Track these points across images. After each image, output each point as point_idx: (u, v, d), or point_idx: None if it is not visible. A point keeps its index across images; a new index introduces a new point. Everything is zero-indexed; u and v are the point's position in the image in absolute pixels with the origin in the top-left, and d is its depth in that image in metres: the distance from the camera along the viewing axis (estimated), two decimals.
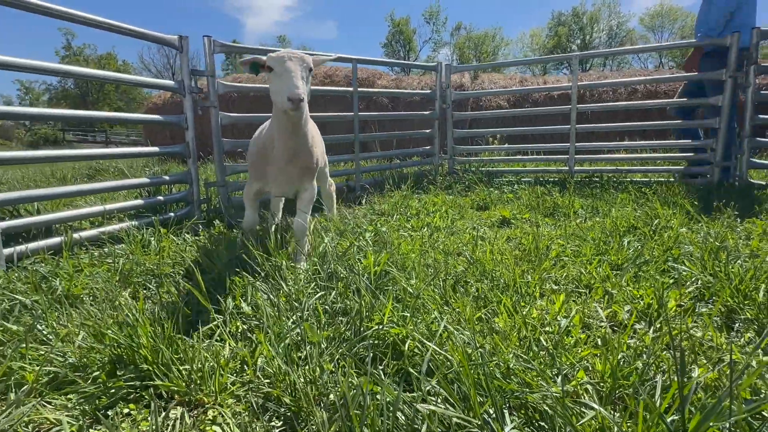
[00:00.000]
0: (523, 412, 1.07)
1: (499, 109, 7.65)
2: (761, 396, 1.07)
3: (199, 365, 1.24)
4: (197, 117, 3.33)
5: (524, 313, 1.57)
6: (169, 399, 1.23)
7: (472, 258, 2.24)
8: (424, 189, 4.43)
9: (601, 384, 1.17)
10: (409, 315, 1.33)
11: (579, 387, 1.15)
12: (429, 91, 5.07)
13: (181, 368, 1.26)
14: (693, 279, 1.92)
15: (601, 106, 4.44)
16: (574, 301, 1.79)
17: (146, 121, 3.61)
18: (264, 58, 1.95)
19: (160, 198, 3.18)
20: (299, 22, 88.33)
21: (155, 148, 3.16)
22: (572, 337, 1.44)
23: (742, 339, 1.49)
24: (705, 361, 1.29)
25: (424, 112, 5.12)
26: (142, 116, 3.43)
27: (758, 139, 3.92)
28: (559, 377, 1.20)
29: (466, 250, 2.43)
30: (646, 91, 7.16)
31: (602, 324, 1.55)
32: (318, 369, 1.16)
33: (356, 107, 4.22)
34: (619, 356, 1.28)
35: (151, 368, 1.24)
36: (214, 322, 1.48)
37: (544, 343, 1.34)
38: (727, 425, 0.96)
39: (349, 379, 1.04)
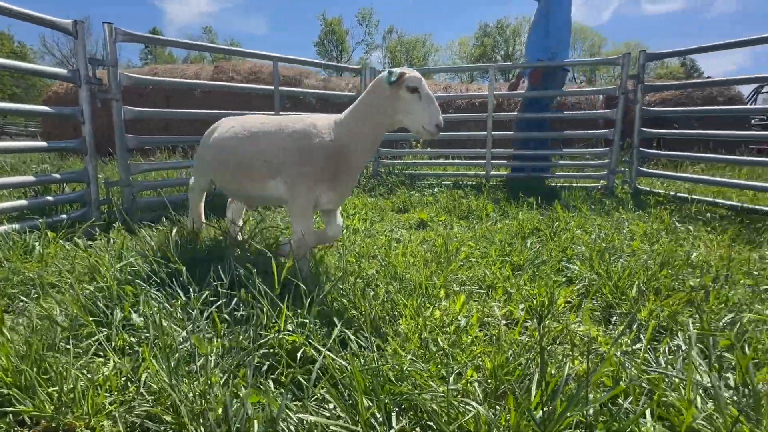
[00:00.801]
0: (412, 413, 1.09)
1: None
2: (622, 383, 1.19)
3: (71, 385, 1.13)
4: (98, 110, 3.05)
5: (427, 314, 1.62)
6: (34, 425, 1.10)
7: (385, 260, 2.27)
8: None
9: (489, 381, 1.23)
10: (308, 321, 1.31)
11: (468, 385, 1.21)
12: (353, 94, 5.08)
13: (49, 390, 1.13)
14: (582, 277, 2.10)
15: (513, 115, 4.73)
16: (475, 300, 1.88)
17: (35, 112, 3.24)
18: (408, 74, 1.87)
19: (49, 198, 2.86)
20: (227, 14, 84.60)
21: (43, 143, 2.84)
22: (470, 336, 1.51)
23: (616, 331, 1.66)
24: (579, 354, 1.41)
25: None
26: (29, 107, 3.06)
27: (644, 149, 4.39)
28: (452, 377, 1.26)
29: (381, 252, 2.46)
30: (557, 103, 7.77)
31: (498, 322, 1.64)
32: (207, 382, 1.10)
33: (277, 106, 4.12)
34: (509, 353, 1.36)
35: (10, 392, 1.10)
36: (94, 337, 1.36)
37: (441, 344, 1.39)
38: (591, 412, 1.06)
39: (235, 391, 1.00)
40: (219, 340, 1.31)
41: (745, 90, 11.11)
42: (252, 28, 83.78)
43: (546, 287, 1.88)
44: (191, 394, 1.09)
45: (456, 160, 5.42)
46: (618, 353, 1.32)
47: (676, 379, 1.14)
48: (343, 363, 1.12)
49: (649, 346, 1.46)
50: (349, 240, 2.75)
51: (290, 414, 0.93)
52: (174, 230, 2.15)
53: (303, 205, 1.96)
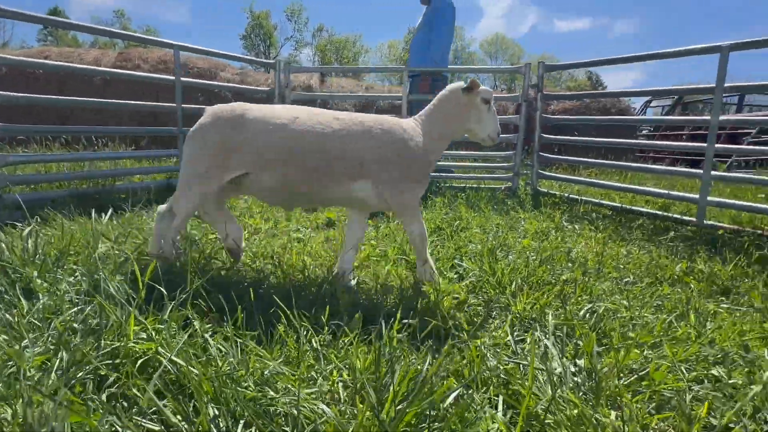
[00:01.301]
0: (264, 420, 1.04)
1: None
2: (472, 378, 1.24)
3: None
4: None
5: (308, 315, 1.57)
6: None
7: (279, 261, 2.20)
8: None
9: (353, 381, 1.22)
10: (164, 328, 1.21)
11: (334, 386, 1.18)
12: (267, 89, 4.92)
13: None
14: (471, 274, 2.18)
15: None
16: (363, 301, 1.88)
17: None
18: (482, 87, 2.04)
19: None
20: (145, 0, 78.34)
21: None
22: (349, 336, 1.49)
23: (493, 324, 1.73)
24: (447, 349, 1.45)
25: None
26: None
27: (543, 154, 4.72)
28: (320, 378, 1.23)
29: (278, 252, 2.38)
30: None
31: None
32: (27, 401, 0.97)
33: (179, 98, 3.85)
34: (384, 351, 1.36)
35: None
36: None
37: (315, 344, 1.36)
38: (443, 405, 1.08)
39: (53, 410, 0.89)
40: (62, 351, 1.16)
41: (645, 102, 12.46)
42: (172, 16, 78.44)
43: (433, 284, 1.92)
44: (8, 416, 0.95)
45: None
46: (482, 345, 1.37)
47: (531, 368, 1.21)
48: (193, 370, 1.04)
49: (517, 338, 1.54)
50: (248, 240, 2.63)
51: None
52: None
53: (414, 206, 2.01)
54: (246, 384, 1.09)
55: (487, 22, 77.35)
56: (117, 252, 1.77)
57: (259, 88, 5.41)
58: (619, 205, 3.83)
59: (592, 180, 4.39)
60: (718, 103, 3.11)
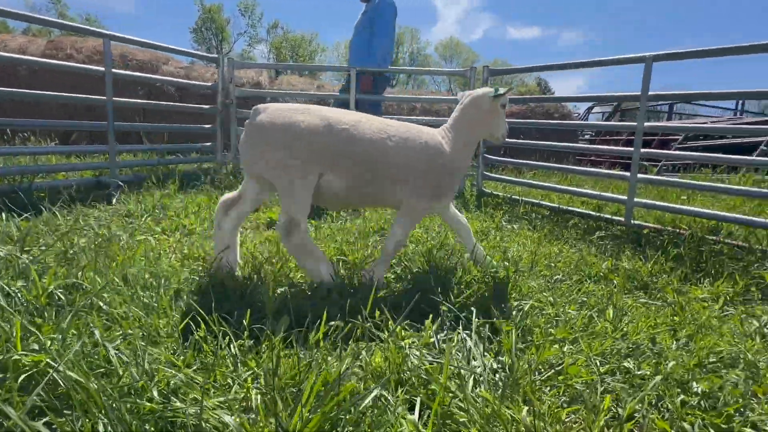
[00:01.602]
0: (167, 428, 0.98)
1: None
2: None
3: None
4: None
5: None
6: None
7: (209, 264, 2.11)
8: (199, 188, 4.09)
9: (268, 388, 1.18)
10: (59, 337, 1.12)
11: (249, 393, 1.13)
12: (210, 84, 4.74)
13: None
14: (408, 277, 2.18)
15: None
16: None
17: None
18: (505, 92, 2.16)
19: None
20: None
21: None
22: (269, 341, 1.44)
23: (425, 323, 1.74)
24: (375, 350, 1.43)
25: (203, 106, 4.76)
26: None
27: (488, 156, 4.84)
28: (236, 386, 1.17)
29: (211, 255, 2.28)
30: (422, 109, 8.26)
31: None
32: None
33: (110, 91, 3.62)
34: (304, 355, 1.33)
35: None
36: None
37: (233, 350, 1.30)
38: (361, 406, 1.06)
39: None
40: None
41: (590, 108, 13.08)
42: (115, 4, 73.99)
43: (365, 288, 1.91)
44: None
45: None
46: (405, 346, 1.36)
47: (446, 366, 1.21)
48: (85, 382, 0.96)
49: (446, 337, 1.55)
50: (180, 242, 2.51)
51: None
52: None
53: (420, 216, 2.15)
54: (148, 395, 1.03)
55: (442, 26, 78.74)
56: (17, 256, 1.62)
57: (202, 83, 5.19)
58: (557, 205, 3.99)
59: (533, 181, 4.56)
60: (643, 110, 3.31)
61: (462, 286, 2.02)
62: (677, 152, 3.73)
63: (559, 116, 8.51)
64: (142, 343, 1.18)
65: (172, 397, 1.06)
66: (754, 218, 2.88)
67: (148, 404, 0.96)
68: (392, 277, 2.20)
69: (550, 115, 8.42)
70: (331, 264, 2.00)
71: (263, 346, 1.36)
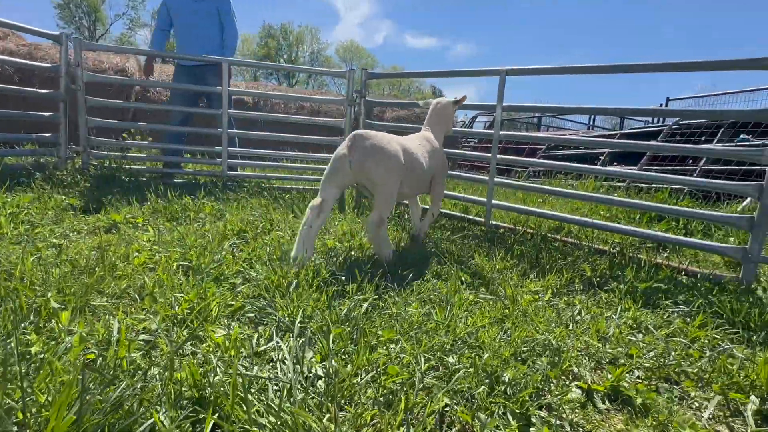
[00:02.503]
0: None
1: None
2: None
3: None
4: None
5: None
6: None
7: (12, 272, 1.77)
8: (26, 186, 3.49)
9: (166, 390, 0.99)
10: None
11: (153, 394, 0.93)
12: (49, 65, 4.09)
13: None
14: (257, 280, 2.06)
15: (243, 113, 4.63)
16: (124, 311, 1.62)
17: None
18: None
19: None
20: None
21: None
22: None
23: (261, 330, 1.64)
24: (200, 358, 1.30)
25: (39, 90, 4.10)
26: None
27: None
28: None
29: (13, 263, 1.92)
30: (311, 109, 8.14)
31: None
32: None
33: None
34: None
35: None
36: None
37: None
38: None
39: None
40: None
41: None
42: None
43: (199, 292, 1.75)
44: None
45: (190, 157, 4.99)
46: (217, 359, 1.26)
47: (232, 380, 1.13)
48: None
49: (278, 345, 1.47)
50: None
51: None
52: None
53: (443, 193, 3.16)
54: None
55: (343, 28, 79.17)
56: None
57: (41, 64, 4.46)
58: (426, 206, 4.15)
59: None
60: (498, 120, 3.59)
61: (311, 289, 1.96)
62: (529, 159, 4.12)
63: None
64: None
65: None
66: (584, 218, 3.28)
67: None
68: (239, 281, 2.06)
69: None
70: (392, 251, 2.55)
71: None
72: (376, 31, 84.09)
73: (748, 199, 4.76)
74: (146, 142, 5.16)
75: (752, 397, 1.41)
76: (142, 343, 1.41)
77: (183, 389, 1.12)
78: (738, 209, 4.56)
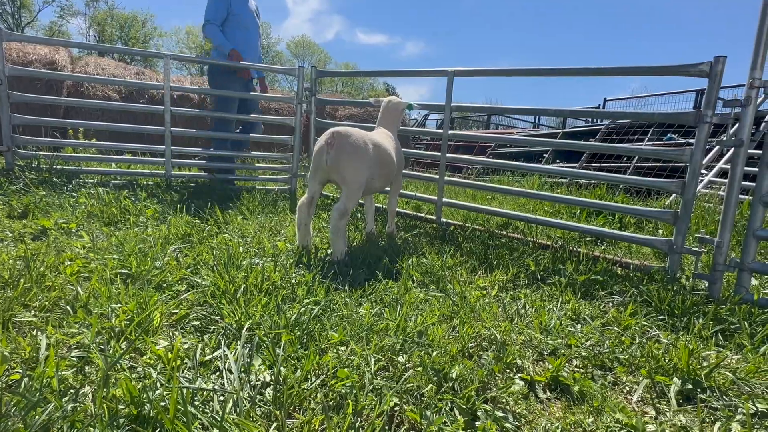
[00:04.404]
0: None
1: (107, 99, 6.60)
2: None
3: None
4: None
5: None
6: None
7: None
8: None
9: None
10: None
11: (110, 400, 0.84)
12: None
13: None
14: (202, 286, 1.99)
15: (194, 112, 4.44)
16: (54, 326, 1.50)
17: None
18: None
19: None
20: None
21: None
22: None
23: (207, 339, 1.59)
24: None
25: None
26: None
27: None
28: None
29: None
30: (261, 107, 7.93)
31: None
32: None
33: None
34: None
35: None
36: None
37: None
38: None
39: None
40: None
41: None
42: None
43: (139, 301, 1.67)
44: None
45: (130, 157, 4.72)
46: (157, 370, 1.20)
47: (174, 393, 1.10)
48: None
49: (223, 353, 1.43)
50: None
51: None
52: None
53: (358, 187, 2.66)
54: None
55: (293, 23, 77.41)
56: None
57: None
58: (381, 205, 4.18)
59: None
60: (447, 119, 3.66)
61: (260, 294, 1.92)
62: (478, 158, 4.24)
63: None
64: None
65: None
66: (529, 215, 3.42)
67: None
68: (183, 288, 1.98)
69: None
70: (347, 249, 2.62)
71: None
72: (327, 26, 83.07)
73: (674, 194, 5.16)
74: (94, 142, 4.82)
75: (675, 379, 1.53)
76: (74, 359, 1.32)
77: (119, 407, 1.07)
78: (666, 203, 4.93)
